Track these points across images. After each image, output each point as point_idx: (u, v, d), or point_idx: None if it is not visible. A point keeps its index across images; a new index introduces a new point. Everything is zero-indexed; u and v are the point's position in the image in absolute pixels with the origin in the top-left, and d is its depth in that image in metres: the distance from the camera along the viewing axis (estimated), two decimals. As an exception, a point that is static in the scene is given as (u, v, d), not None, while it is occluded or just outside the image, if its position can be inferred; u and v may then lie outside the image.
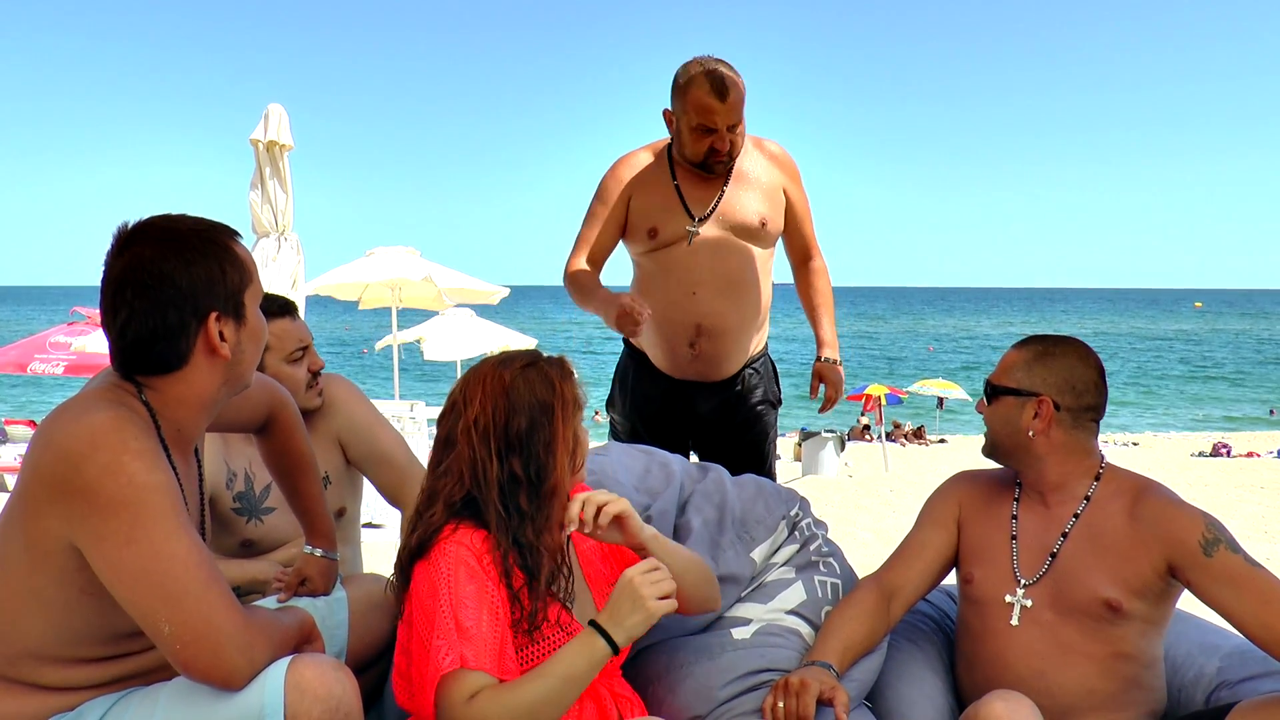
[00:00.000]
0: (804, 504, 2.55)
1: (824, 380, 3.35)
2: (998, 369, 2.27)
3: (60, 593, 1.62)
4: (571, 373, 1.93)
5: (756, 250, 3.18)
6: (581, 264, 3.25)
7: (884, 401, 20.31)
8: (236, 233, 1.79)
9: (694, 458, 3.43)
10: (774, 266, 3.34)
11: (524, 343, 17.40)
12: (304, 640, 1.80)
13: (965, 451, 19.59)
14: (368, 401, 2.74)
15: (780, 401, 3.45)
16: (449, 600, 1.74)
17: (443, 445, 1.89)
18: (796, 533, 2.47)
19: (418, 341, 16.26)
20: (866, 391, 21.22)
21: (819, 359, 3.37)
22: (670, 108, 3.09)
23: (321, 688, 1.60)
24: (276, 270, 7.81)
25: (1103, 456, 2.22)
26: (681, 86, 3.01)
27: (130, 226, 1.70)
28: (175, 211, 1.76)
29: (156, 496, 1.57)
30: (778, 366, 3.51)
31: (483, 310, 16.37)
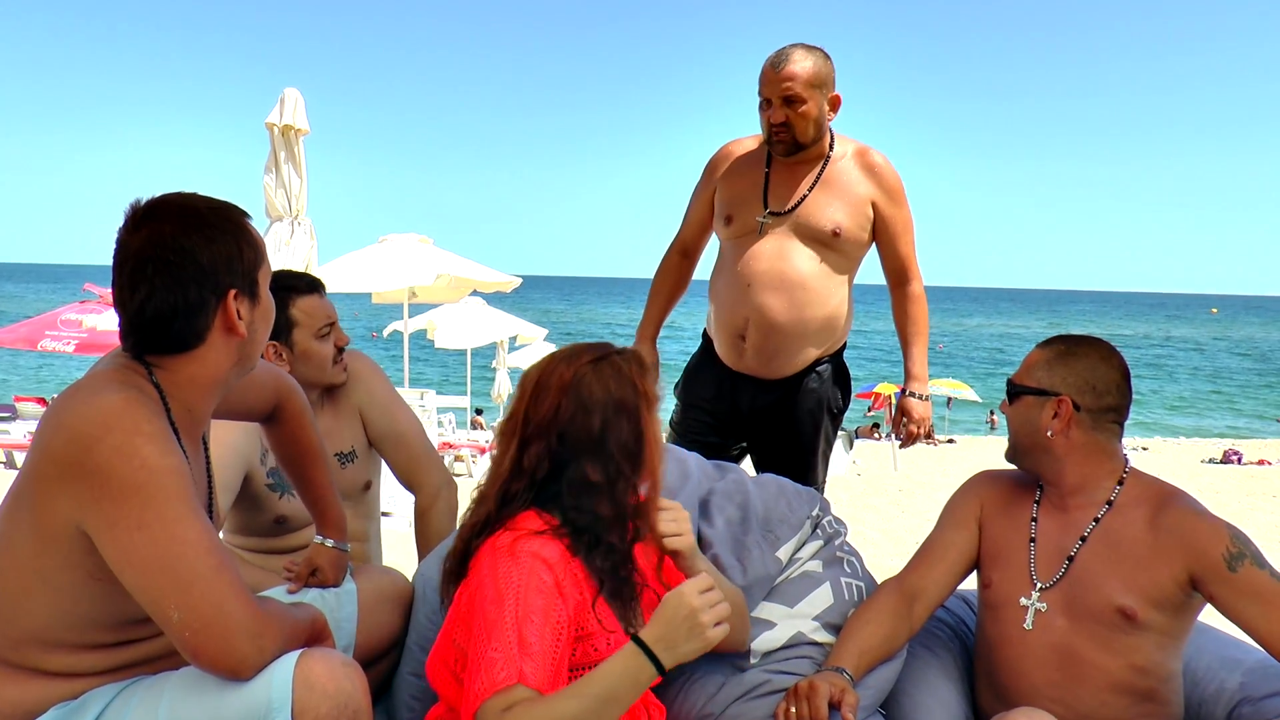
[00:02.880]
0: (825, 504, 2.51)
1: (909, 416, 3.23)
2: (1020, 368, 2.23)
3: (67, 577, 1.60)
4: (647, 367, 1.88)
5: (828, 257, 3.12)
6: (673, 259, 3.41)
7: (894, 400, 20.21)
8: (248, 213, 1.78)
9: (748, 462, 3.40)
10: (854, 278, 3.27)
11: (535, 332, 17.43)
12: (315, 638, 1.76)
13: (974, 452, 19.54)
14: (388, 380, 2.77)
15: (842, 412, 3.34)
16: (515, 612, 1.65)
17: (514, 444, 1.84)
18: (819, 530, 2.43)
19: (427, 328, 16.27)
20: (875, 390, 21.15)
21: (907, 392, 3.24)
22: None
23: (331, 684, 1.57)
24: (290, 254, 7.79)
25: (1127, 460, 2.18)
26: None
27: (144, 203, 1.69)
28: (188, 190, 1.75)
29: (169, 480, 1.54)
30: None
31: (493, 299, 16.38)
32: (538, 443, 1.80)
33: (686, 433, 3.35)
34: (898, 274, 3.27)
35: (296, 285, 2.56)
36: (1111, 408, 2.13)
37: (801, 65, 2.99)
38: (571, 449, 1.79)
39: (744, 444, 3.39)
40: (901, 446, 3.29)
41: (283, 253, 7.72)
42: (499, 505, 1.81)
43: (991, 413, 28.22)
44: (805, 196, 3.10)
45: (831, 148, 3.14)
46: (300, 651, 1.61)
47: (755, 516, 2.38)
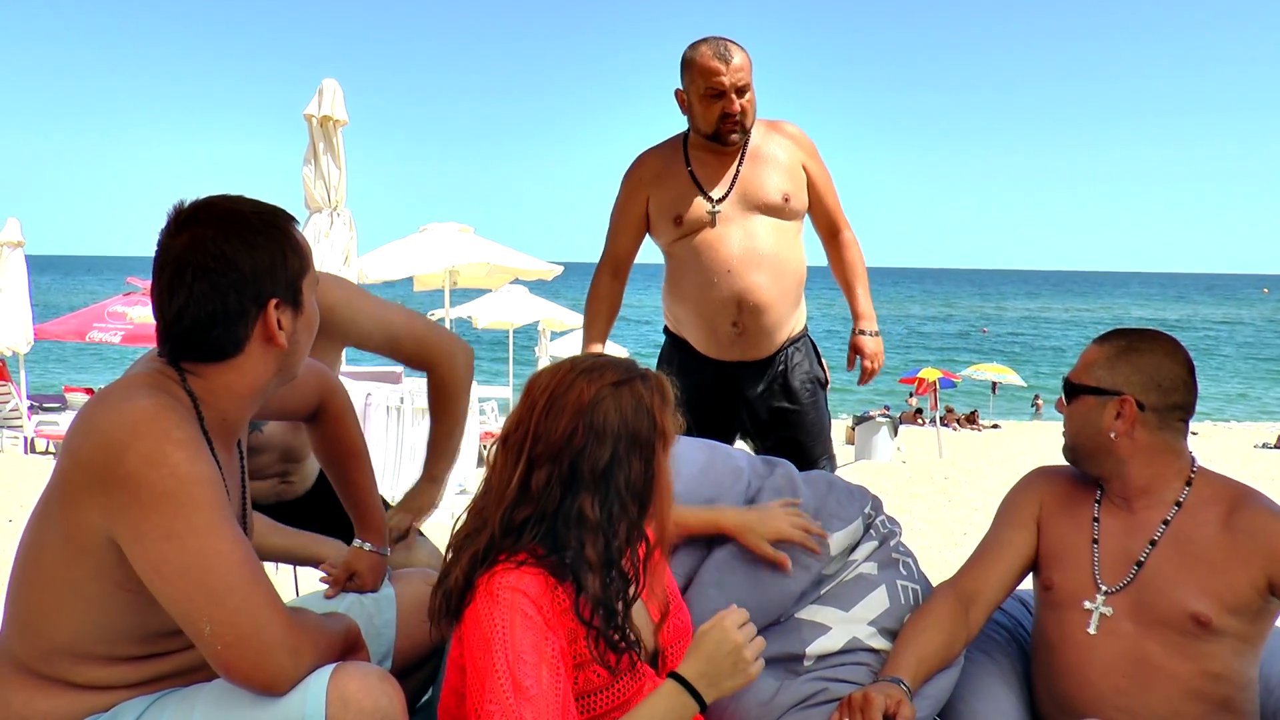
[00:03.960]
0: (877, 502, 2.45)
1: (860, 352, 3.39)
2: (1077, 366, 2.13)
3: (97, 587, 1.56)
4: (669, 399, 1.70)
5: (784, 224, 3.25)
6: (604, 282, 3.45)
7: (938, 385, 20.00)
8: (295, 218, 1.73)
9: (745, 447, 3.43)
10: (804, 244, 3.40)
11: (574, 320, 17.40)
12: (349, 650, 1.72)
13: (1019, 438, 19.30)
14: (355, 288, 2.52)
15: (827, 382, 3.49)
16: (505, 657, 1.52)
17: (521, 464, 1.65)
18: (873, 530, 2.36)
19: (470, 318, 16.31)
20: (920, 375, 20.95)
21: (856, 331, 3.41)
22: (680, 87, 3.21)
23: (367, 700, 1.52)
24: (329, 246, 7.80)
25: (1194, 459, 2.08)
26: (688, 60, 3.14)
27: (188, 206, 1.63)
28: (228, 187, 1.71)
29: (200, 489, 1.50)
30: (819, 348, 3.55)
31: (536, 287, 16.38)
32: (547, 467, 1.62)
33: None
34: (831, 227, 3.43)
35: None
36: (1178, 405, 2.03)
37: (743, 55, 3.11)
38: (577, 480, 1.62)
39: (742, 438, 3.46)
40: (860, 383, 3.47)
41: (322, 244, 7.74)
42: (501, 533, 1.63)
43: (1037, 396, 27.90)
44: (739, 174, 3.21)
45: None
46: (335, 666, 1.56)
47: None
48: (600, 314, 3.44)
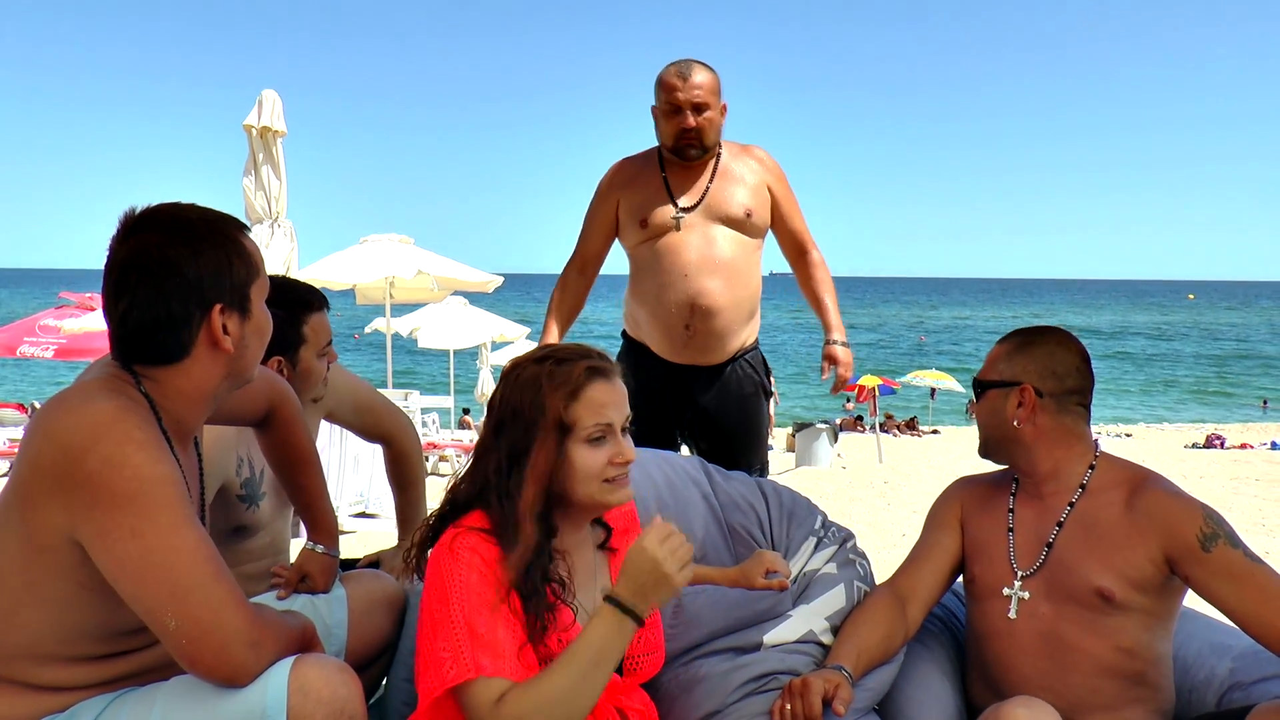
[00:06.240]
0: (824, 517, 2.59)
1: (834, 361, 3.53)
2: (983, 366, 2.28)
3: (59, 588, 1.58)
4: (583, 384, 1.80)
5: (744, 239, 3.40)
6: (571, 276, 3.61)
7: (877, 393, 20.27)
8: (246, 226, 1.76)
9: (685, 449, 3.58)
10: (763, 261, 3.54)
11: (517, 331, 17.38)
12: (305, 646, 1.75)
13: (958, 442, 19.61)
14: (341, 369, 2.71)
15: (770, 393, 3.66)
16: (461, 606, 1.67)
17: (485, 431, 1.86)
18: (829, 535, 2.50)
19: (412, 333, 16.20)
20: (859, 382, 21.17)
21: (828, 342, 3.55)
22: (654, 103, 3.40)
23: (326, 689, 1.56)
24: (270, 257, 7.75)
25: (1097, 444, 2.21)
26: (657, 78, 3.36)
27: (137, 212, 1.67)
28: (167, 198, 1.74)
29: (162, 488, 1.53)
30: (768, 358, 3.68)
31: (476, 298, 16.33)
32: (490, 432, 1.82)
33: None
34: (798, 246, 3.61)
35: (311, 302, 2.45)
36: (1074, 390, 2.17)
37: (705, 75, 3.31)
38: (495, 442, 1.80)
39: (687, 437, 3.59)
40: (832, 391, 3.59)
41: (263, 255, 7.68)
42: (454, 495, 1.84)
43: (970, 402, 28.34)
44: (708, 188, 3.39)
45: (719, 147, 3.45)
46: (295, 658, 1.60)
47: (770, 537, 2.46)
48: (563, 304, 3.58)
